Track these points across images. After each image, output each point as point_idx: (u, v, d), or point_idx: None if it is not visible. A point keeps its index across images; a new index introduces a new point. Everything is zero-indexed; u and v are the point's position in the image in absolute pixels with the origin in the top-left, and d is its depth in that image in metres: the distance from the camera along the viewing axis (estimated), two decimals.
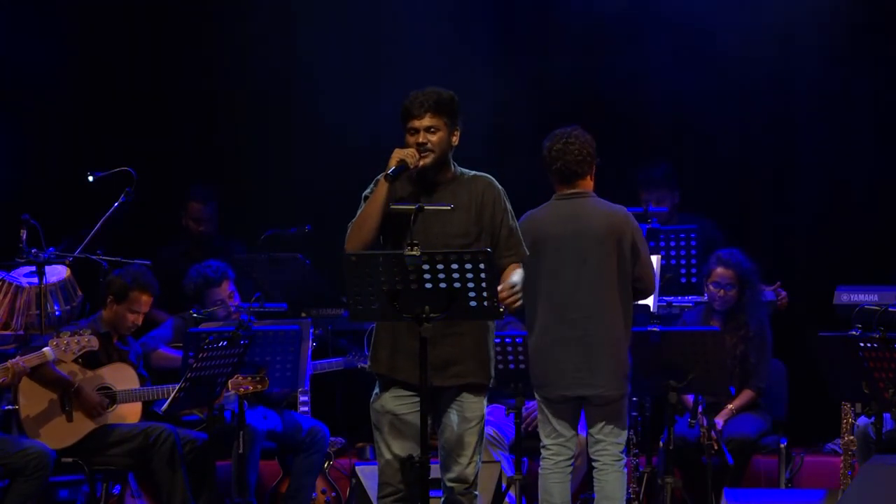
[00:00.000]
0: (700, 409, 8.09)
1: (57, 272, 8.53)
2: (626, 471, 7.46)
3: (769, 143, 10.27)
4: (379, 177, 6.41)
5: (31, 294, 8.38)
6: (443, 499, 6.49)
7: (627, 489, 7.72)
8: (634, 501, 8.33)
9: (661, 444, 8.18)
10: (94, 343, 7.83)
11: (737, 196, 10.32)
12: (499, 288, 6.18)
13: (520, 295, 6.30)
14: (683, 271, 9.16)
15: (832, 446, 9.33)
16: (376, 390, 6.51)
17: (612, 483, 7.38)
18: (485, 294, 6.05)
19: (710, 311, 8.87)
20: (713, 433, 8.24)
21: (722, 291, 8.79)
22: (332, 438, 8.98)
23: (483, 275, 6.02)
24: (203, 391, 7.72)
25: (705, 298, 8.94)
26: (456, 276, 6.03)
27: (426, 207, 6.32)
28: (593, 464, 7.46)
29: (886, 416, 7.69)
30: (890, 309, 7.48)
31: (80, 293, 8.63)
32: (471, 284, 6.04)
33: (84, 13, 10.26)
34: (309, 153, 10.31)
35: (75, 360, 8.00)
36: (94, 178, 8.97)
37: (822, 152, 10.09)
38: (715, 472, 8.22)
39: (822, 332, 7.51)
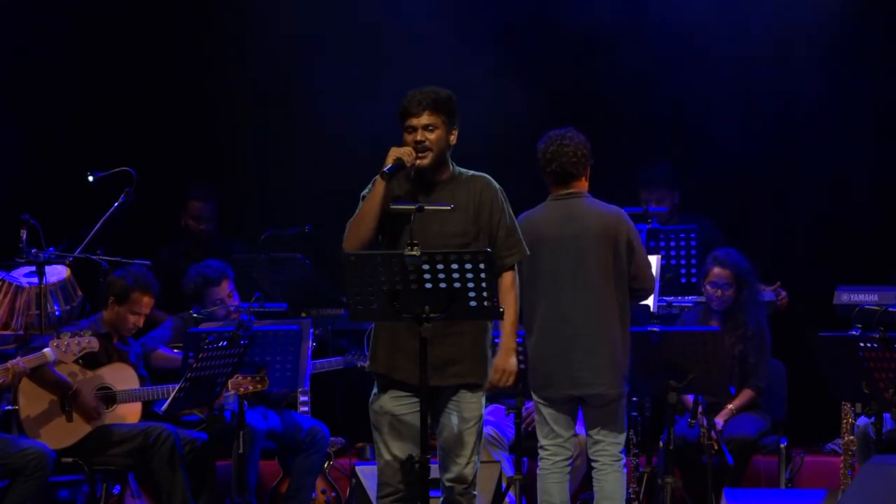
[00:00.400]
0: (700, 409, 8.09)
1: (57, 272, 8.53)
2: (625, 471, 7.47)
3: (769, 143, 10.27)
4: (377, 176, 6.42)
5: (31, 294, 8.37)
6: (442, 499, 6.49)
7: (627, 489, 7.72)
8: (634, 501, 8.32)
9: (661, 444, 8.18)
10: (95, 344, 7.83)
11: (737, 196, 10.32)
12: (492, 371, 6.44)
13: (512, 376, 6.51)
14: (683, 271, 9.16)
15: (832, 446, 9.33)
16: (375, 390, 6.51)
17: (611, 483, 7.39)
18: (485, 294, 6.06)
19: (709, 311, 8.87)
20: (713, 433, 8.23)
21: (719, 291, 8.79)
22: (332, 438, 8.98)
23: (483, 275, 6.03)
24: (203, 391, 7.71)
25: (705, 298, 8.94)
26: (456, 276, 6.03)
27: (426, 207, 6.32)
28: (592, 464, 7.46)
29: (886, 416, 7.69)
30: (890, 309, 7.48)
31: (80, 293, 8.63)
32: (471, 284, 6.04)
33: (84, 13, 10.26)
34: (309, 153, 10.31)
35: (75, 361, 8.00)
36: (94, 178, 8.97)
37: (823, 152, 10.08)
38: (715, 472, 8.22)
39: (822, 332, 7.50)
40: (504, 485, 8.27)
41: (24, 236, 8.36)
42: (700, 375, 7.77)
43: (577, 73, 10.26)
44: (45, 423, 8.06)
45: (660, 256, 8.62)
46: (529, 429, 8.33)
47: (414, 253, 5.98)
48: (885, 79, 10.02)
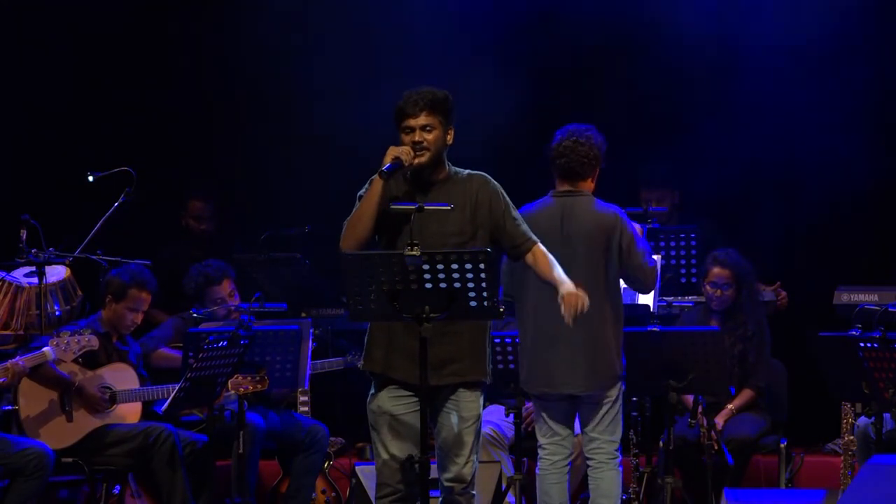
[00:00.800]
0: (700, 409, 8.09)
1: (57, 272, 8.53)
2: (621, 469, 7.47)
3: (770, 144, 10.27)
4: (374, 176, 6.42)
5: (31, 294, 8.38)
6: (441, 499, 6.49)
7: (627, 489, 7.72)
8: (634, 501, 8.33)
9: (661, 444, 8.18)
10: (94, 343, 7.83)
11: (737, 196, 10.32)
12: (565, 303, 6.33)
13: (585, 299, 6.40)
14: (683, 271, 9.16)
15: (832, 446, 9.34)
16: (372, 390, 6.51)
17: (607, 481, 7.40)
18: (485, 294, 6.06)
19: (709, 311, 8.87)
20: (713, 433, 8.24)
21: (719, 291, 8.79)
22: (332, 438, 8.98)
23: (483, 275, 6.03)
24: (203, 391, 7.72)
25: (704, 298, 8.94)
26: (456, 276, 6.03)
27: (426, 207, 6.32)
28: (588, 462, 7.47)
29: (886, 416, 7.69)
30: (890, 309, 7.48)
31: (80, 293, 8.63)
32: (471, 284, 6.04)
33: (84, 13, 10.26)
34: (309, 153, 10.30)
35: (75, 360, 8.00)
36: (94, 178, 8.97)
37: (823, 152, 10.08)
38: (715, 472, 8.22)
39: (822, 332, 7.51)
40: (504, 485, 8.27)
41: (24, 236, 8.37)
42: (700, 375, 7.77)
43: (577, 72, 10.26)
44: (45, 423, 8.06)
45: (660, 256, 8.62)
46: (529, 429, 8.33)
47: (414, 253, 5.98)
48: (885, 79, 10.02)
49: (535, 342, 7.39)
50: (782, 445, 8.82)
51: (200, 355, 7.61)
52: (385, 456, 6.44)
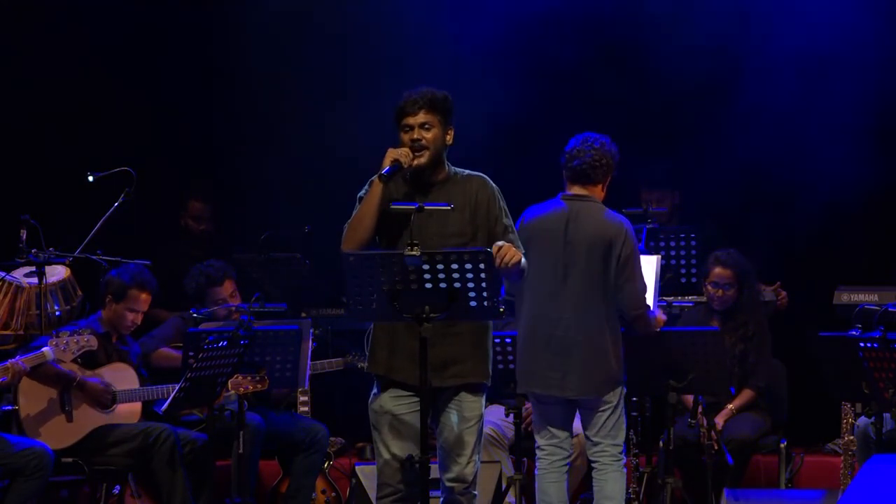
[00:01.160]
0: (700, 409, 8.09)
1: (57, 272, 8.53)
2: (625, 471, 7.47)
3: (770, 144, 10.27)
4: (373, 177, 6.43)
5: (31, 294, 8.38)
6: (442, 499, 6.49)
7: (627, 489, 7.72)
8: (634, 501, 8.33)
9: (661, 444, 8.18)
10: (94, 343, 7.83)
11: (737, 197, 10.32)
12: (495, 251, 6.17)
13: (517, 259, 6.26)
14: (683, 271, 9.16)
15: (832, 446, 9.34)
16: (374, 391, 6.51)
17: (611, 483, 7.40)
18: (485, 294, 6.06)
19: (710, 311, 8.87)
20: (713, 433, 8.24)
21: (720, 291, 8.80)
22: (332, 438, 8.98)
23: (483, 275, 6.03)
24: (203, 391, 7.71)
25: (705, 298, 8.94)
26: (456, 276, 6.03)
27: (426, 207, 6.33)
28: (592, 464, 7.47)
29: (886, 416, 7.69)
30: (890, 309, 7.48)
31: (80, 293, 8.63)
32: (471, 284, 6.04)
33: (83, 13, 10.25)
34: (309, 153, 10.30)
35: (74, 361, 8.00)
36: (94, 178, 8.97)
37: (823, 152, 10.08)
38: (715, 472, 8.22)
39: (822, 332, 7.51)
40: (504, 485, 8.27)
41: (24, 236, 8.37)
42: (700, 375, 7.78)
43: (577, 72, 10.25)
44: (45, 423, 8.06)
45: (660, 256, 8.61)
46: (529, 429, 8.33)
47: (414, 253, 5.98)
48: (885, 80, 10.02)
49: (532, 343, 7.40)
50: (782, 445, 8.83)
51: (200, 355, 7.60)
52: (386, 455, 6.44)
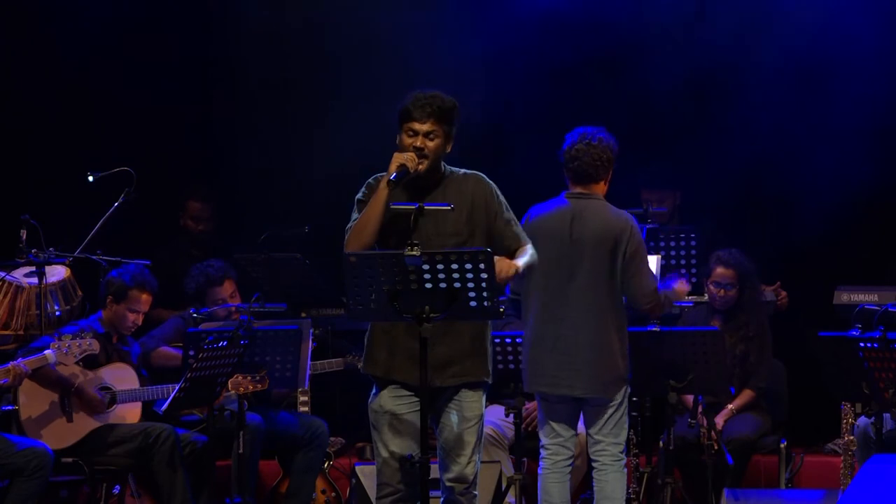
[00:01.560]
0: (700, 409, 8.09)
1: (57, 272, 8.53)
2: (625, 471, 7.47)
3: (770, 144, 10.27)
4: (370, 180, 6.44)
5: (31, 294, 8.38)
6: (442, 499, 6.49)
7: (627, 489, 7.72)
8: (634, 501, 8.32)
9: (661, 444, 8.18)
10: (96, 346, 7.83)
11: (738, 196, 10.32)
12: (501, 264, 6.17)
13: (513, 272, 6.27)
14: (683, 271, 9.15)
15: (832, 446, 9.34)
16: (374, 391, 6.51)
17: (611, 483, 7.39)
18: (485, 294, 6.05)
19: (711, 311, 8.87)
20: (713, 433, 8.24)
21: (722, 291, 8.80)
22: (332, 438, 8.98)
23: (483, 275, 6.02)
24: (203, 391, 7.72)
25: (706, 298, 8.94)
26: (456, 276, 6.03)
27: (426, 207, 6.32)
28: (593, 464, 7.47)
29: (886, 416, 7.70)
30: (890, 309, 7.48)
31: (80, 293, 8.63)
32: (471, 284, 6.04)
33: (83, 13, 10.25)
34: (308, 153, 10.30)
35: (76, 362, 8.00)
36: (94, 178, 8.97)
37: (823, 152, 10.08)
38: (715, 472, 8.22)
39: (822, 332, 7.51)
40: (504, 485, 8.27)
41: (24, 236, 8.37)
42: (700, 375, 7.78)
43: (577, 72, 10.25)
44: (46, 423, 8.07)
45: (660, 256, 8.63)
46: (529, 429, 8.34)
47: (414, 253, 5.98)
48: (886, 81, 10.03)
49: (539, 342, 7.38)
50: (782, 445, 8.82)
51: (200, 355, 7.61)
52: (385, 454, 6.43)
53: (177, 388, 7.73)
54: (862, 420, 7.99)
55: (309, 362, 8.40)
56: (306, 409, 8.89)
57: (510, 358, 7.88)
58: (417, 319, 6.07)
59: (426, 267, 6.01)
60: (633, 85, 10.25)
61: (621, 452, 7.44)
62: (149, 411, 8.40)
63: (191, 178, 10.31)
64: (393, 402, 6.44)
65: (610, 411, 7.39)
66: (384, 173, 6.38)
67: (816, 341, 7.49)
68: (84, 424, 8.14)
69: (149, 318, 8.70)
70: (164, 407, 7.87)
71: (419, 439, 6.24)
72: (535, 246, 6.84)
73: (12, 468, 7.70)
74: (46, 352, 7.67)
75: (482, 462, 6.67)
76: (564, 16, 10.21)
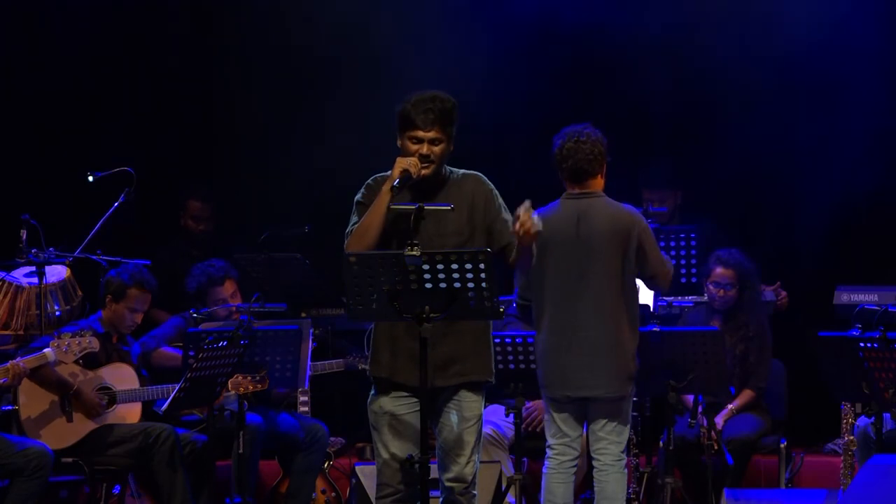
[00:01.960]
0: (700, 409, 8.09)
1: (57, 272, 8.54)
2: (626, 471, 7.46)
3: (771, 144, 10.27)
4: (370, 181, 6.44)
5: (31, 294, 8.39)
6: (442, 499, 6.49)
7: (627, 489, 7.71)
8: (634, 501, 8.32)
9: (661, 444, 8.18)
10: (95, 345, 7.83)
11: (738, 197, 10.32)
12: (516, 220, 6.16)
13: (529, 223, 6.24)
14: (683, 271, 9.16)
15: (832, 446, 9.34)
16: (373, 392, 6.51)
17: (612, 484, 7.37)
18: (485, 294, 6.05)
19: (711, 311, 8.87)
20: (713, 433, 8.24)
21: (722, 291, 8.80)
22: (332, 438, 8.98)
23: (483, 275, 6.02)
24: (203, 391, 7.72)
25: (706, 298, 8.94)
26: (456, 276, 6.03)
27: (426, 207, 6.32)
28: (593, 464, 7.45)
29: (886, 416, 7.69)
30: (890, 309, 7.49)
31: (80, 293, 8.64)
32: (471, 284, 6.04)
33: (82, 13, 10.26)
34: (309, 153, 10.30)
35: (75, 361, 8.00)
36: (94, 178, 8.98)
37: (824, 153, 10.09)
38: (715, 472, 8.22)
39: (822, 332, 7.51)
40: (504, 485, 8.27)
41: (24, 236, 8.37)
42: (700, 375, 7.78)
43: (578, 72, 10.26)
44: (45, 423, 8.06)
45: None
46: (529, 429, 8.34)
47: (414, 253, 5.98)
48: (885, 80, 10.03)
49: (552, 345, 7.33)
50: (782, 445, 8.82)
51: (200, 355, 7.61)
52: (385, 455, 6.43)
53: (177, 388, 7.73)
54: (862, 420, 7.99)
55: (309, 362, 8.40)
56: (306, 409, 8.89)
57: (510, 358, 7.87)
58: (417, 319, 6.07)
59: (426, 267, 6.02)
60: (634, 85, 10.25)
61: (622, 452, 7.42)
62: (149, 411, 8.40)
63: (191, 178, 10.31)
64: (392, 402, 6.44)
65: (614, 410, 7.36)
66: (383, 174, 6.38)
67: (816, 341, 7.49)
68: (84, 424, 8.14)
69: (148, 318, 8.70)
70: (164, 407, 7.87)
71: (419, 440, 6.24)
72: (543, 251, 6.83)
73: (12, 468, 7.70)
74: (46, 350, 7.66)
75: (482, 462, 6.67)
76: (564, 18, 10.22)
